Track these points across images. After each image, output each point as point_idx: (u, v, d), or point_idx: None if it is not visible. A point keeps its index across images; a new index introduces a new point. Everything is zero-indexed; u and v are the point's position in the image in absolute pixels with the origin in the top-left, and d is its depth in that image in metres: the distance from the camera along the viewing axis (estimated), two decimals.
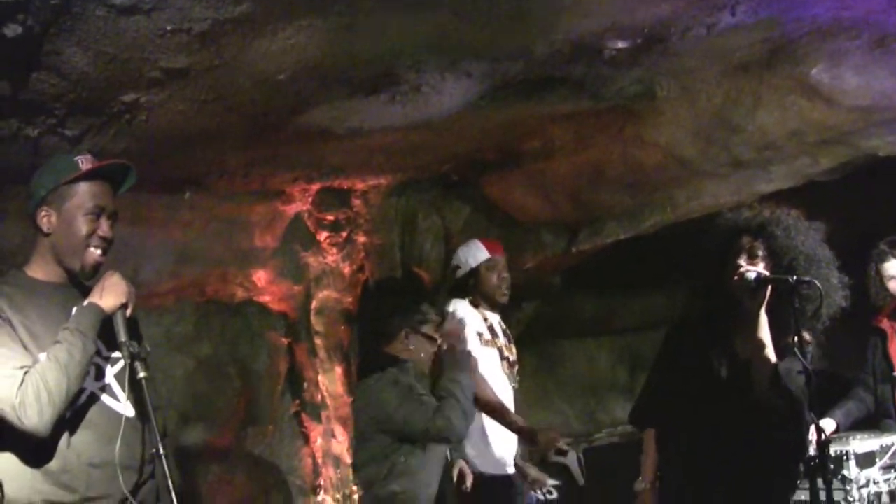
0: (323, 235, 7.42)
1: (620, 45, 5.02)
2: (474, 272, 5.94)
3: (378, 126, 5.56)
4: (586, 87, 5.57)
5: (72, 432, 3.47)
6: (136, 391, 3.58)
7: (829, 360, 4.28)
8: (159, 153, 5.31)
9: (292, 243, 7.37)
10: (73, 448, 3.46)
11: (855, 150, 6.20)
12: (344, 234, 7.47)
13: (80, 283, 3.63)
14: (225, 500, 7.24)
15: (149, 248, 6.59)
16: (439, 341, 5.10)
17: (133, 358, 3.50)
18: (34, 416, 3.31)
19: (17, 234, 5.67)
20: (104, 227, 3.61)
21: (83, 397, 3.50)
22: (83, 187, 3.60)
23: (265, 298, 7.49)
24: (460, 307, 5.87)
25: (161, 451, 3.47)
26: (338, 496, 7.57)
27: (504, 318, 6.27)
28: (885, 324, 6.26)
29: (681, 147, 6.24)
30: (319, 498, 7.58)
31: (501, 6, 4.35)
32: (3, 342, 3.40)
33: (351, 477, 7.54)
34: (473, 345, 5.65)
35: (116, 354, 3.61)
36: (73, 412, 3.46)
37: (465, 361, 5.00)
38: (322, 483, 7.60)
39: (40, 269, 3.64)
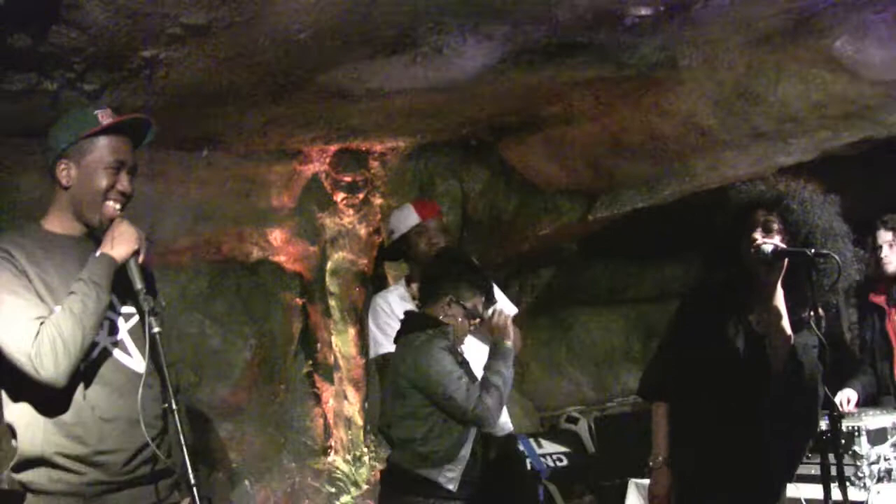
0: (339, 197, 7.42)
1: (643, 12, 4.98)
2: (404, 237, 5.81)
3: (398, 87, 5.54)
4: (608, 54, 5.54)
5: (86, 385, 3.49)
6: (149, 346, 3.57)
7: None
8: (178, 110, 5.31)
9: (309, 204, 7.37)
10: (88, 401, 3.48)
11: (877, 125, 6.16)
12: (361, 195, 7.47)
13: (98, 236, 3.62)
14: (236, 458, 7.28)
15: (166, 206, 6.60)
16: (477, 322, 5.12)
17: (148, 312, 3.50)
18: (50, 366, 3.32)
19: (36, 188, 5.69)
20: (123, 182, 3.61)
21: (96, 351, 3.52)
22: (103, 141, 3.59)
23: (280, 258, 7.51)
24: (381, 300, 5.83)
25: (174, 406, 3.48)
26: (348, 457, 7.60)
27: (519, 285, 6.25)
28: (882, 300, 6.23)
29: (701, 117, 6.21)
30: (330, 458, 7.61)
31: None
32: (19, 293, 3.41)
33: (362, 438, 7.58)
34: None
35: (130, 310, 3.63)
36: (87, 366, 3.48)
37: (509, 355, 5.00)
38: (333, 444, 7.63)
39: (57, 222, 3.65)
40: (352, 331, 7.57)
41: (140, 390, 3.46)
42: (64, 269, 3.53)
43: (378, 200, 7.56)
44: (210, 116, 5.69)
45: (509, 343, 5.01)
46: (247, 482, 7.30)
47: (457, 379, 4.78)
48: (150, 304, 3.49)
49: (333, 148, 7.10)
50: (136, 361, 3.61)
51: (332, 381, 7.66)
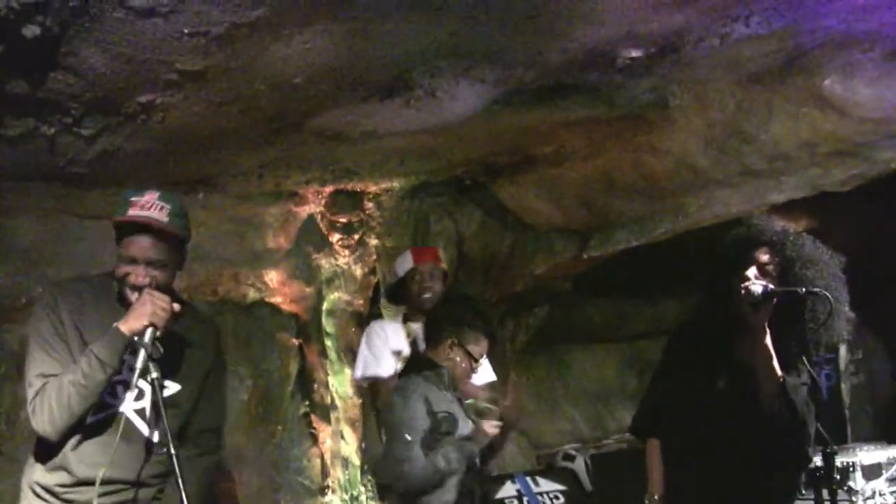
0: (335, 237, 7.45)
1: (634, 53, 5.03)
2: (401, 281, 6.06)
3: (392, 130, 5.58)
4: (600, 95, 5.59)
5: (81, 441, 3.60)
6: (177, 411, 3.72)
7: None
8: (174, 153, 5.35)
9: (305, 245, 7.40)
10: (77, 454, 3.60)
11: (867, 161, 6.19)
12: (356, 236, 7.50)
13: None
14: (233, 500, 7.27)
15: None
16: (479, 365, 5.18)
17: (152, 382, 3.54)
18: (43, 423, 3.51)
19: (31, 231, 5.72)
20: (140, 275, 3.63)
21: (104, 414, 3.62)
22: (125, 232, 3.65)
23: (277, 299, 7.53)
24: (378, 326, 6.08)
25: (173, 451, 3.51)
26: (345, 497, 7.59)
27: (514, 324, 6.33)
28: None
29: (693, 156, 6.24)
30: (327, 498, 7.60)
31: (515, 13, 4.37)
32: (46, 345, 3.57)
33: (359, 478, 7.57)
34: (389, 363, 5.82)
35: (158, 376, 3.59)
36: (91, 426, 3.59)
37: (472, 453, 5.01)
38: (330, 484, 7.63)
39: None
40: (348, 371, 7.57)
41: (124, 445, 3.58)
42: (107, 325, 3.58)
43: (373, 241, 7.59)
44: (206, 159, 5.72)
45: (485, 437, 5.02)
46: None
47: (403, 433, 4.84)
48: (152, 375, 3.52)
49: (329, 189, 7.13)
50: (154, 430, 3.69)
51: (329, 422, 7.66)
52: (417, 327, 5.79)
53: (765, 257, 4.05)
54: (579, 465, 8.00)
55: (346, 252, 7.52)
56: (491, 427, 5.11)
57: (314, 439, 7.70)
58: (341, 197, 7.27)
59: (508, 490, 7.10)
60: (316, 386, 7.70)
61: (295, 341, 7.67)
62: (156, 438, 3.68)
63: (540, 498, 7.39)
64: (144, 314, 3.53)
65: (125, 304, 3.64)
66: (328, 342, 7.61)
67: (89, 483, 3.55)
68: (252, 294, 7.39)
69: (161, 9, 3.73)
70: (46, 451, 3.59)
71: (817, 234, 4.17)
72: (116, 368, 3.54)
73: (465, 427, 5.00)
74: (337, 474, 7.65)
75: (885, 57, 5.32)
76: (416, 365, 5.18)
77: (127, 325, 3.53)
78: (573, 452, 8.23)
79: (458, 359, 5.06)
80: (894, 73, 5.41)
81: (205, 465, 3.85)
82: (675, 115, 5.97)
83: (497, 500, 6.96)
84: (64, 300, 3.62)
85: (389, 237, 7.60)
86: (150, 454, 3.68)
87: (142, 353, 3.51)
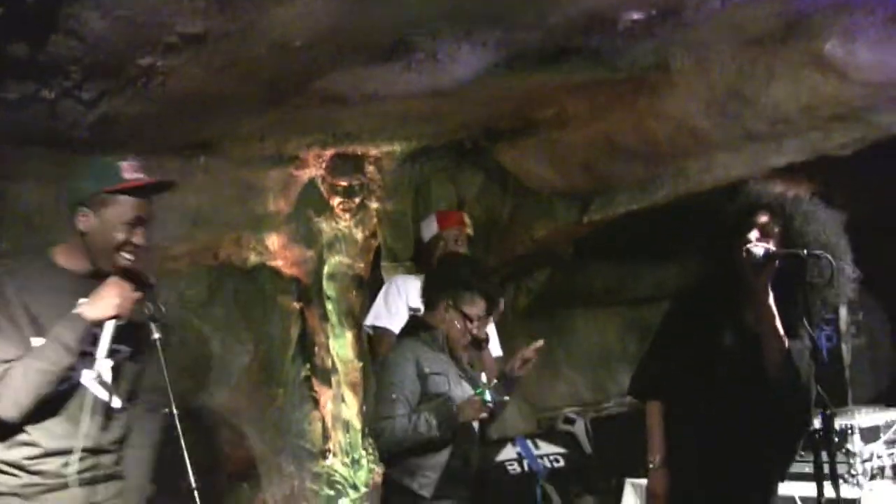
0: (336, 201, 7.45)
1: (635, 16, 5.01)
2: (426, 246, 5.98)
3: (393, 93, 5.57)
4: (601, 58, 5.57)
5: (44, 416, 3.64)
6: (130, 375, 3.82)
7: None
8: (175, 117, 5.35)
9: (305, 209, 7.40)
10: (42, 426, 3.64)
11: (868, 126, 6.18)
12: (357, 200, 7.50)
13: (104, 276, 3.71)
14: (235, 463, 7.31)
15: (163, 212, 6.54)
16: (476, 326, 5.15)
17: (151, 320, 3.60)
18: (5, 408, 3.53)
19: (35, 196, 5.72)
20: (139, 236, 3.74)
21: (66, 385, 3.64)
22: (124, 197, 3.71)
23: (278, 263, 7.53)
24: (400, 280, 6.05)
25: (174, 411, 3.56)
26: (346, 460, 7.63)
27: (515, 288, 6.31)
28: None
29: (694, 119, 6.23)
30: (328, 462, 7.64)
31: None
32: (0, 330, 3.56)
33: (360, 441, 7.61)
34: (402, 318, 5.72)
35: (118, 346, 3.74)
36: (53, 398, 3.61)
37: (453, 423, 4.94)
38: (331, 447, 7.66)
39: (64, 257, 3.78)
40: (349, 334, 7.60)
41: (89, 419, 3.64)
42: (57, 302, 3.64)
43: (374, 205, 7.59)
44: (206, 123, 5.72)
45: (464, 418, 4.96)
46: (245, 486, 7.33)
47: (390, 392, 4.87)
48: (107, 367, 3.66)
49: (329, 153, 7.13)
50: (112, 397, 3.75)
51: (330, 385, 7.68)
52: None
53: (764, 218, 4.06)
54: (580, 429, 8.03)
55: (347, 216, 7.52)
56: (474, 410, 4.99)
57: (315, 403, 7.72)
58: (342, 161, 7.27)
59: (509, 453, 7.14)
60: (317, 349, 7.72)
61: (296, 305, 7.68)
62: (115, 404, 3.75)
63: (540, 461, 7.43)
64: (112, 305, 3.61)
65: (101, 276, 3.69)
66: (329, 306, 7.62)
67: (57, 454, 3.62)
68: (253, 258, 7.39)
69: None
70: (6, 429, 3.61)
71: (819, 199, 4.18)
72: (80, 350, 3.60)
73: (457, 390, 5.00)
74: (338, 437, 7.68)
75: (886, 21, 5.30)
76: (413, 326, 5.20)
77: (93, 313, 3.59)
78: (573, 416, 8.26)
79: (454, 321, 5.06)
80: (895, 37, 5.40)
81: (158, 421, 3.94)
82: (677, 79, 5.96)
83: (497, 463, 7.00)
84: (9, 281, 3.65)
85: (390, 201, 7.60)
86: (110, 420, 3.76)
87: (105, 340, 3.62)
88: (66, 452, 3.63)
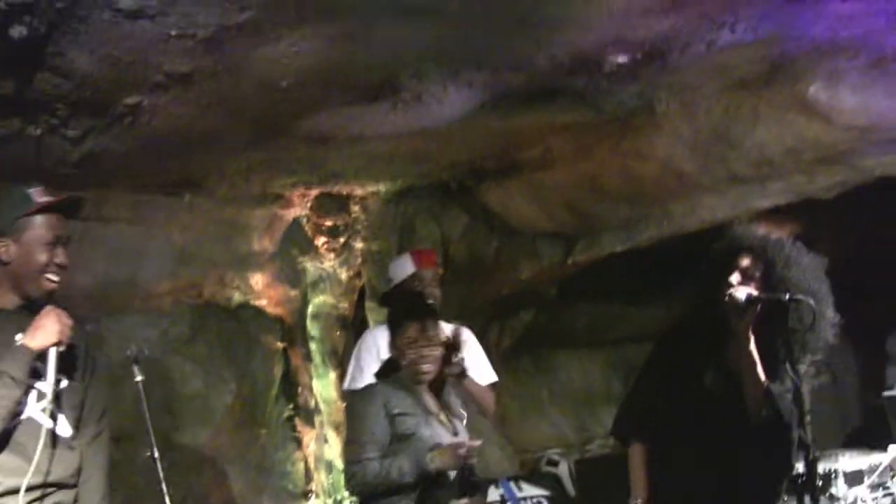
0: (321, 241, 7.45)
1: (621, 59, 5.04)
2: (401, 285, 5.86)
3: (378, 133, 5.58)
4: (586, 100, 5.59)
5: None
6: (76, 401, 3.79)
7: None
8: (160, 155, 5.35)
9: (290, 248, 7.40)
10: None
11: (851, 168, 6.23)
12: (342, 239, 7.50)
13: (36, 309, 3.71)
14: (217, 502, 7.26)
15: (148, 249, 6.61)
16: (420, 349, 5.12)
17: (134, 362, 3.59)
18: None
19: None
20: (60, 256, 3.73)
21: (13, 422, 3.62)
22: (39, 220, 3.71)
23: (262, 302, 7.52)
24: (370, 336, 5.88)
25: (156, 454, 3.54)
26: (328, 501, 7.59)
27: (499, 328, 6.27)
28: None
29: (679, 161, 6.26)
30: (311, 502, 7.60)
31: (503, 18, 4.37)
32: None
33: (343, 482, 7.57)
34: (374, 369, 5.47)
35: (64, 379, 3.72)
36: (5, 434, 3.59)
37: (426, 469, 4.91)
38: (314, 488, 7.62)
39: None
40: (332, 374, 7.57)
41: (39, 452, 3.57)
42: None
43: (359, 244, 7.59)
44: (192, 161, 5.72)
45: (439, 464, 4.92)
46: None
47: (359, 435, 4.87)
48: (53, 393, 3.62)
49: (314, 192, 7.13)
50: (61, 426, 3.73)
51: (313, 425, 7.66)
52: None
53: (746, 262, 4.06)
54: (563, 471, 8.00)
55: (332, 255, 7.52)
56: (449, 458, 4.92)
57: (298, 443, 7.69)
58: (327, 200, 7.27)
59: (492, 495, 7.10)
60: (300, 389, 7.70)
61: (279, 345, 7.66)
62: (65, 433, 3.74)
63: (523, 503, 7.40)
64: (53, 332, 3.61)
65: (32, 309, 3.69)
66: (313, 346, 7.60)
67: (14, 492, 3.59)
68: (237, 297, 7.38)
69: (148, 10, 3.72)
70: None
71: (802, 242, 4.19)
72: (28, 382, 3.61)
73: (425, 430, 4.95)
74: (320, 478, 7.65)
75: (869, 65, 5.35)
76: (385, 369, 5.18)
77: (35, 343, 3.61)
78: (557, 457, 8.23)
79: (406, 353, 5.03)
80: (878, 81, 5.44)
81: (104, 443, 3.94)
82: (662, 121, 5.99)
83: None
84: None
85: (375, 241, 7.60)
86: (62, 450, 3.73)
87: (51, 367, 3.60)
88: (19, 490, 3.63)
